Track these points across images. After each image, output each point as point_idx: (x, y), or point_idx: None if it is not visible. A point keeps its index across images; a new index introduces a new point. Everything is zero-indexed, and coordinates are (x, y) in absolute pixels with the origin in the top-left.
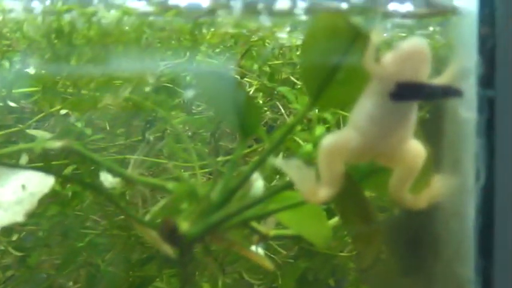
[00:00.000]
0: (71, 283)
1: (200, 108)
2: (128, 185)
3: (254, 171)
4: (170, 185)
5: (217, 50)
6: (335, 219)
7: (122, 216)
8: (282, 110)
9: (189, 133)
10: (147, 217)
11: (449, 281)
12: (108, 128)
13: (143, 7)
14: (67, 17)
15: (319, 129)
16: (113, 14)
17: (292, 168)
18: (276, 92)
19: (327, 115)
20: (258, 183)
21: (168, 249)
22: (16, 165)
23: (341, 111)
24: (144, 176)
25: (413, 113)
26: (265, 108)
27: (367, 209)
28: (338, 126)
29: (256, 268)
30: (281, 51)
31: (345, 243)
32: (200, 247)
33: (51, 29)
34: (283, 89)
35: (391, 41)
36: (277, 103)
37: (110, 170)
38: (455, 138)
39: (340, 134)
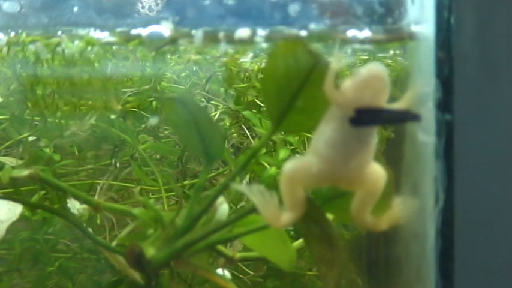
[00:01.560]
0: None
1: (167, 132)
2: (95, 211)
3: (219, 195)
4: (136, 210)
5: (183, 75)
6: (301, 240)
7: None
8: (248, 133)
9: (157, 156)
10: (114, 242)
11: None
12: (76, 153)
13: (106, 37)
14: (31, 48)
15: (283, 153)
16: (77, 44)
17: (255, 194)
18: (241, 115)
19: (291, 138)
20: (223, 207)
21: (135, 275)
22: None
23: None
24: (113, 200)
25: (373, 137)
26: (232, 131)
27: (330, 233)
28: (303, 147)
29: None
30: (246, 75)
31: (313, 262)
32: (166, 272)
33: (16, 60)
34: (247, 113)
35: (353, 65)
36: (243, 126)
37: (76, 197)
38: (414, 161)
39: (301, 159)
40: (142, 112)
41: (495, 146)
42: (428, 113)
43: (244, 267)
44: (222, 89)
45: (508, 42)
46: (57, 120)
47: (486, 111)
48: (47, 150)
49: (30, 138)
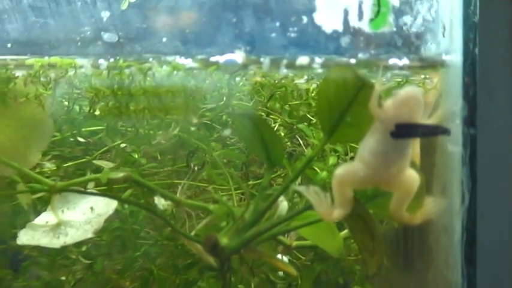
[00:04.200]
0: (128, 283)
1: (233, 141)
2: (176, 206)
3: (280, 195)
4: (211, 206)
5: (248, 96)
6: (345, 231)
7: (169, 229)
8: (301, 142)
9: (225, 161)
10: (193, 233)
11: (440, 284)
12: (159, 157)
13: (189, 63)
14: (127, 72)
15: (332, 159)
16: (165, 69)
17: (311, 193)
18: (295, 127)
19: (338, 147)
20: (283, 204)
21: (210, 260)
22: (85, 191)
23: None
24: (189, 198)
25: (409, 148)
26: (286, 140)
27: (372, 226)
28: (347, 155)
29: (279, 270)
30: (299, 94)
31: (352, 249)
32: (236, 258)
33: (114, 81)
34: (302, 126)
35: (392, 88)
36: (297, 136)
37: (163, 195)
38: (444, 168)
39: (350, 165)
40: (214, 124)
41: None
42: (456, 127)
43: (296, 253)
44: (278, 105)
45: None
46: (146, 131)
47: (504, 127)
48: (135, 155)
49: (122, 145)
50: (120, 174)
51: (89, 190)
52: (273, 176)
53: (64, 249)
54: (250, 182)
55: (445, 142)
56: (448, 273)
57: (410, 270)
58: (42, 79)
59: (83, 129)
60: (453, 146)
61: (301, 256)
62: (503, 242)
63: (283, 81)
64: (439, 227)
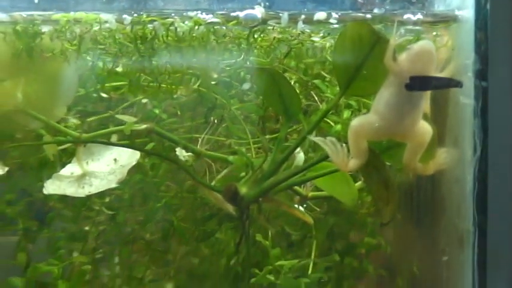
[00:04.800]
0: (148, 235)
1: (250, 97)
2: (197, 157)
3: (298, 147)
4: (231, 157)
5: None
6: (358, 183)
7: (189, 182)
8: (316, 98)
9: (242, 117)
10: (213, 183)
11: (452, 233)
12: (179, 113)
13: (210, 18)
14: (150, 27)
15: (346, 113)
16: (187, 24)
17: (328, 144)
18: (309, 84)
19: (352, 102)
20: (300, 156)
21: (230, 208)
22: (109, 143)
23: (362, 99)
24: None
25: (423, 100)
26: (301, 97)
27: (387, 176)
28: (360, 110)
29: (294, 223)
30: (314, 52)
31: (364, 203)
32: (255, 207)
33: (137, 36)
34: (317, 82)
35: (406, 43)
36: (312, 92)
37: (185, 147)
38: (456, 120)
39: (365, 117)
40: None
41: None
42: (468, 80)
43: (311, 205)
44: (294, 63)
45: None
46: (167, 86)
47: None
48: (156, 110)
49: (144, 101)
50: (143, 126)
51: (112, 142)
52: (289, 130)
53: (88, 200)
54: (267, 136)
55: (458, 95)
56: (460, 222)
57: (424, 220)
58: (67, 35)
59: (106, 85)
60: (465, 99)
61: (315, 208)
62: None
63: (300, 37)
64: (451, 178)
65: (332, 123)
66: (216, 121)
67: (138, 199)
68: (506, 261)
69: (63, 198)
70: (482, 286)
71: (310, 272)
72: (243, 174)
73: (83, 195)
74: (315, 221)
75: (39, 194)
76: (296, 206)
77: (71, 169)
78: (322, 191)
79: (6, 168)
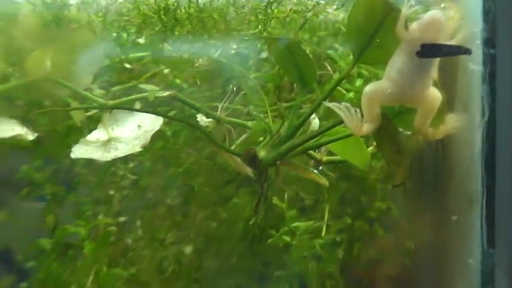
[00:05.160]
0: (169, 200)
1: (266, 69)
2: (217, 124)
3: (313, 113)
4: (250, 123)
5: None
6: (369, 149)
7: (208, 149)
8: (329, 68)
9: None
10: (232, 147)
11: (461, 193)
12: (198, 83)
13: None
14: None
15: (358, 82)
16: None
17: (342, 109)
18: (323, 56)
19: (363, 71)
20: (315, 121)
21: (248, 171)
22: (134, 109)
23: (374, 70)
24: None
25: (433, 67)
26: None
27: (398, 140)
28: (371, 79)
29: (307, 188)
30: (326, 26)
31: (374, 169)
32: (272, 170)
33: (160, 7)
34: (331, 52)
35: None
36: (325, 63)
37: (206, 113)
38: (465, 86)
39: (378, 83)
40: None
41: None
42: (477, 48)
43: (325, 170)
44: (307, 35)
45: None
46: (189, 56)
47: None
48: (178, 80)
49: (165, 71)
50: (166, 93)
51: (136, 108)
52: (304, 99)
53: (112, 166)
54: (283, 104)
55: (466, 62)
56: (469, 184)
57: (433, 183)
58: (93, 6)
59: (130, 56)
60: (474, 65)
61: (328, 173)
62: None
63: (315, 8)
64: (460, 141)
65: (345, 92)
66: (234, 90)
67: (160, 165)
68: None
69: (89, 164)
70: (490, 244)
71: (323, 233)
72: (261, 139)
73: (108, 159)
74: (328, 187)
75: (66, 160)
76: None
77: (97, 135)
78: (335, 156)
79: (36, 134)
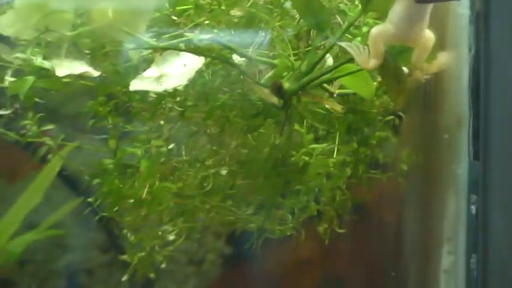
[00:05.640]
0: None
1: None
2: (249, 62)
3: (327, 52)
4: (277, 60)
5: None
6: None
7: (240, 86)
8: (339, 19)
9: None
10: (262, 81)
11: (452, 117)
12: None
13: None
14: None
15: (364, 28)
16: None
17: (353, 47)
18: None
19: (369, 20)
20: (329, 60)
21: (275, 100)
22: (180, 50)
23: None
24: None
25: (428, 12)
26: None
27: (400, 73)
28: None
29: (321, 120)
30: None
31: (375, 105)
32: (295, 98)
33: None
34: (342, 5)
35: None
36: (336, 16)
37: (240, 54)
38: (455, 28)
39: (382, 26)
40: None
41: None
42: None
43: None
44: None
45: None
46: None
47: None
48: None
49: (206, 22)
50: (208, 36)
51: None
52: (319, 45)
53: (163, 99)
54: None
55: (456, 7)
56: (458, 108)
57: (429, 108)
58: None
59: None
60: (462, 9)
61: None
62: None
63: None
64: (449, 74)
65: (352, 37)
66: (263, 35)
67: (201, 100)
68: (496, 134)
69: (143, 99)
70: (475, 157)
71: (335, 155)
72: (285, 74)
73: (160, 91)
74: (338, 118)
75: (124, 96)
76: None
77: (151, 72)
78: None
79: (98, 73)
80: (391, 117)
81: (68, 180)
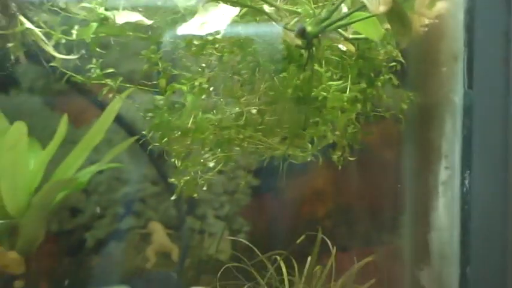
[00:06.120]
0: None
1: None
2: (277, 11)
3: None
4: (300, 9)
5: None
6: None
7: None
8: None
9: None
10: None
11: (449, 53)
12: None
13: None
14: None
15: None
16: None
17: None
18: None
19: None
20: (344, 8)
21: (299, 42)
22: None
23: None
24: None
25: None
26: None
27: (404, 17)
28: None
29: (336, 65)
30: None
31: (380, 52)
32: (316, 41)
33: None
34: None
35: None
36: None
37: (270, 3)
38: None
39: None
40: None
41: None
42: None
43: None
44: None
45: None
46: None
47: None
48: None
49: None
50: None
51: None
52: None
53: (204, 47)
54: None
55: None
56: (455, 45)
57: (428, 46)
58: None
59: None
60: None
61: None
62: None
63: None
64: (448, 15)
65: None
66: None
67: (236, 48)
68: (488, 67)
69: (188, 47)
70: (470, 86)
71: (347, 92)
72: (307, 20)
73: (203, 34)
74: (350, 63)
75: (172, 44)
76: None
77: (195, 20)
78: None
79: (151, 21)
80: (394, 63)
81: (124, 123)
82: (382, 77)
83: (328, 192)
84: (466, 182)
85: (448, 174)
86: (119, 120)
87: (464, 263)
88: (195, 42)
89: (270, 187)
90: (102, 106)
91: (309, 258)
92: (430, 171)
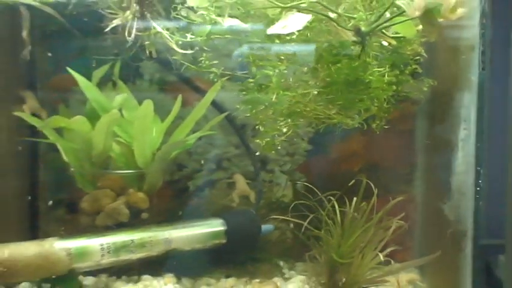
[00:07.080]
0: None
1: None
2: (339, 17)
3: (388, 9)
4: (356, 15)
5: None
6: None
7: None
8: None
9: None
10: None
11: (466, 43)
12: None
13: None
14: None
15: None
16: None
17: (405, 4)
18: None
19: None
20: (386, 14)
21: (353, 37)
22: (294, 7)
23: None
24: None
25: None
26: None
27: (433, 19)
28: None
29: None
30: None
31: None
32: (367, 38)
33: None
34: None
35: None
36: None
37: (333, 11)
38: None
39: None
40: None
41: None
42: None
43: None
44: None
45: None
46: None
47: None
48: None
49: None
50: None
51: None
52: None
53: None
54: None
55: None
56: (471, 38)
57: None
58: None
59: None
60: None
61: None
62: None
63: None
64: (466, 18)
65: None
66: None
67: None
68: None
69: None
70: (483, 68)
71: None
72: (361, 22)
73: (285, 33)
74: (382, 58)
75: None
76: (385, 42)
77: (279, 24)
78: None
79: (247, 25)
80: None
81: (216, 104)
82: (409, 68)
83: (360, 153)
84: (480, 138)
85: (465, 133)
86: (213, 102)
87: (477, 198)
88: (277, 41)
89: (318, 151)
90: (200, 92)
91: (355, 198)
92: (453, 131)
